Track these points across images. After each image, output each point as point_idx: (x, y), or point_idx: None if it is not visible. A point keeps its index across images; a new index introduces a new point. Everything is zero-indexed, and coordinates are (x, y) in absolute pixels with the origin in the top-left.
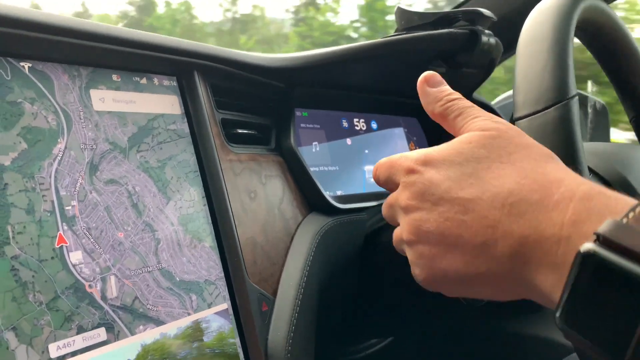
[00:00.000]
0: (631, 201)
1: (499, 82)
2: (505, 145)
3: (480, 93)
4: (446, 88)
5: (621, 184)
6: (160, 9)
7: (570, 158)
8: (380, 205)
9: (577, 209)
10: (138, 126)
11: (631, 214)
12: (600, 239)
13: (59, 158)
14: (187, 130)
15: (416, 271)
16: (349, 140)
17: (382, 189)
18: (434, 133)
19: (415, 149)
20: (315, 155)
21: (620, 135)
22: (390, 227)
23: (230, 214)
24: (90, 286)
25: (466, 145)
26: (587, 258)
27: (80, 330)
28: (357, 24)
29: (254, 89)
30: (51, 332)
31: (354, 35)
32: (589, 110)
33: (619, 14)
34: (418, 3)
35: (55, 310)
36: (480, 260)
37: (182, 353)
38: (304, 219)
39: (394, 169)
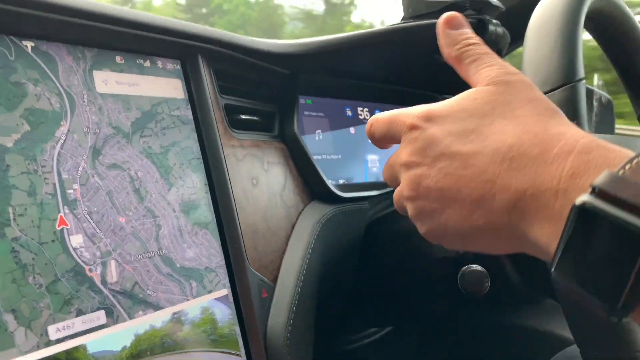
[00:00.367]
0: (630, 154)
1: None
2: (510, 100)
3: None
4: (467, 31)
5: None
6: None
7: None
8: (382, 195)
9: (575, 162)
10: (142, 111)
11: (628, 166)
12: (596, 191)
13: (61, 141)
14: (190, 116)
15: (417, 224)
16: (352, 129)
17: (383, 181)
18: None
19: None
20: (318, 143)
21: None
22: (391, 217)
23: (232, 199)
24: (90, 270)
25: (471, 102)
26: (582, 210)
27: (80, 313)
28: None
29: (258, 75)
30: (50, 315)
31: None
32: (595, 103)
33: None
34: None
35: (55, 294)
36: (478, 214)
37: (180, 339)
38: (306, 206)
39: (395, 124)
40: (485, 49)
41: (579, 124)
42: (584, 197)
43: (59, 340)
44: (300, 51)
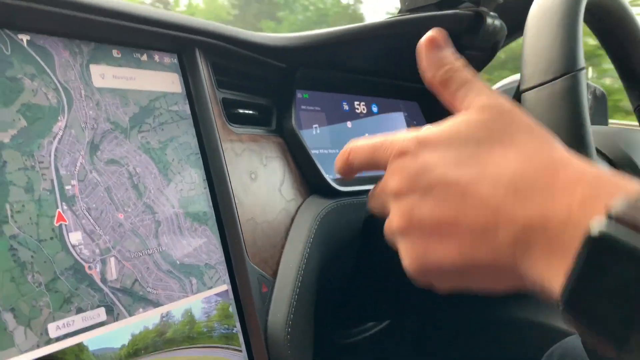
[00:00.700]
0: None
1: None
2: (507, 127)
3: None
4: (450, 54)
5: (626, 164)
6: None
7: (578, 129)
8: None
9: (585, 191)
10: (139, 106)
11: None
12: (614, 219)
13: (59, 136)
14: (188, 111)
15: (407, 262)
16: (349, 123)
17: (382, 173)
18: (434, 117)
19: None
20: (315, 137)
21: None
22: None
23: (231, 194)
24: (89, 267)
25: (464, 126)
26: (597, 239)
27: (80, 312)
28: None
29: (256, 69)
30: (50, 313)
31: None
32: (589, 96)
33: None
34: None
35: (54, 292)
36: (479, 248)
37: (181, 335)
38: (304, 201)
39: (380, 151)
40: (471, 73)
41: (583, 141)
42: (600, 226)
43: (58, 338)
44: (297, 44)
